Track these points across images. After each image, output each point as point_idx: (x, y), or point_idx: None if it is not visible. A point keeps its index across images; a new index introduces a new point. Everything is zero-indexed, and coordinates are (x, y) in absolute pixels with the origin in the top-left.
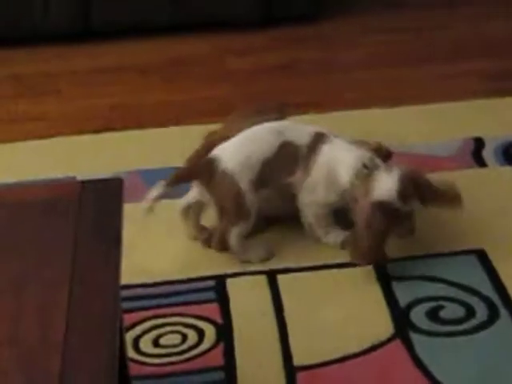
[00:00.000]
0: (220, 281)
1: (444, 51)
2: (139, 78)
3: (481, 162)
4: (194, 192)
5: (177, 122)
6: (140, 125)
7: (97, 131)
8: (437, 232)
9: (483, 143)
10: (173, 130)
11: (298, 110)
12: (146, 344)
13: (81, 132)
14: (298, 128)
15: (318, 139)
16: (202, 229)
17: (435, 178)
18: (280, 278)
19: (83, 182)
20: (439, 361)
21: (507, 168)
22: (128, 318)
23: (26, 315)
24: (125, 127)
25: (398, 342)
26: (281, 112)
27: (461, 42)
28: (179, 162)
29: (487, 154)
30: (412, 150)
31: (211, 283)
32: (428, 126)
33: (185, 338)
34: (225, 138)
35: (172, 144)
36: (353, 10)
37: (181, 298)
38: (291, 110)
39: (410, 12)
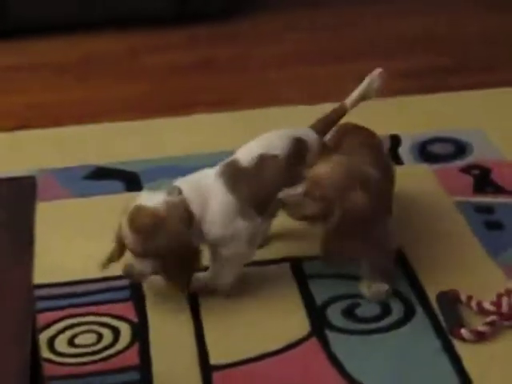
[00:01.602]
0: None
1: (359, 49)
2: (54, 76)
3: (397, 160)
4: None
5: (93, 120)
6: (55, 123)
7: (11, 129)
8: None
9: (399, 141)
10: (89, 127)
11: (210, 108)
12: (61, 344)
13: None
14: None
15: None
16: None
17: None
18: (196, 275)
19: None
20: (355, 358)
21: (423, 165)
22: (42, 318)
23: None
24: (40, 125)
25: (314, 340)
26: None
27: (376, 40)
28: (95, 160)
29: (403, 151)
30: None
31: (126, 282)
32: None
33: (100, 337)
34: None
35: (88, 142)
36: (269, 8)
37: (95, 297)
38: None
39: (326, 10)
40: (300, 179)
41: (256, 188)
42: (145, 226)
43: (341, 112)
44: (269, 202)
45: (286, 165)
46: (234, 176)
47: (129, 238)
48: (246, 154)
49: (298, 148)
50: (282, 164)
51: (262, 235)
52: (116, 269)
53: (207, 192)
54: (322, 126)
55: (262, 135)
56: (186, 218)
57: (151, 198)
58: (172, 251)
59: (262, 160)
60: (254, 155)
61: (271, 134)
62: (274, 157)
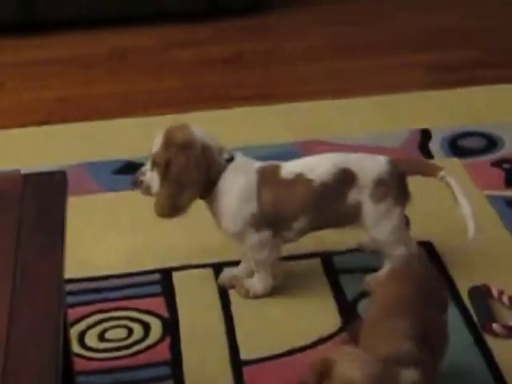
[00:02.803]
0: (165, 274)
1: (389, 43)
2: (83, 71)
3: (427, 154)
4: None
5: (122, 115)
6: (84, 117)
7: (40, 124)
8: None
9: (430, 135)
10: (117, 122)
11: (244, 102)
12: (91, 339)
13: (24, 125)
14: None
15: None
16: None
17: None
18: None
19: (26, 175)
20: None
21: (454, 160)
22: (73, 313)
23: None
24: (69, 120)
25: (346, 336)
26: None
27: (403, 34)
28: (124, 154)
29: (434, 145)
30: (359, 142)
31: (157, 276)
32: (375, 118)
33: (131, 332)
34: None
35: (116, 136)
36: (298, 2)
37: (126, 292)
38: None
39: (353, 4)
40: (334, 212)
41: (280, 203)
42: (176, 138)
43: (431, 173)
44: (285, 225)
45: (317, 193)
46: (268, 180)
47: (157, 145)
48: (288, 166)
49: (341, 180)
50: (314, 191)
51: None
52: (147, 264)
53: (242, 173)
54: (405, 167)
55: (320, 155)
56: (212, 162)
57: None
58: (181, 171)
59: (295, 180)
60: (293, 170)
61: (323, 156)
62: (308, 182)
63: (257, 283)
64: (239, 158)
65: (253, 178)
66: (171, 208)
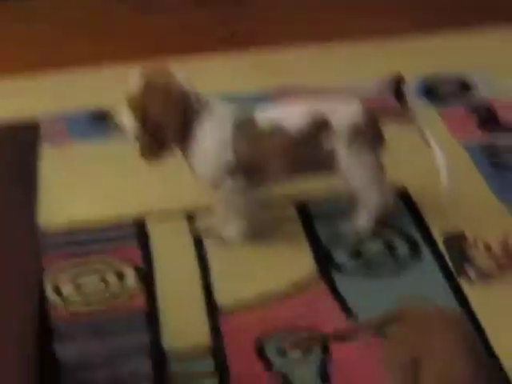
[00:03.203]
0: (139, 222)
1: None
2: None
3: (400, 99)
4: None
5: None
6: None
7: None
8: None
9: (403, 81)
10: (90, 71)
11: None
12: (67, 289)
13: None
14: None
15: None
16: None
17: None
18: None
19: None
20: (360, 298)
21: (427, 106)
22: (49, 262)
23: None
24: (43, 70)
25: (320, 281)
26: None
27: None
28: (97, 103)
29: (407, 91)
30: (334, 89)
31: (131, 225)
32: (350, 66)
33: (105, 281)
34: None
35: (90, 85)
36: None
37: (102, 244)
38: None
39: None
40: (311, 162)
41: (256, 153)
42: (155, 81)
43: (405, 120)
44: (267, 177)
45: (293, 144)
46: (247, 136)
47: (134, 88)
48: (263, 116)
49: (316, 128)
50: (290, 142)
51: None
52: (122, 214)
53: (218, 120)
54: (379, 114)
55: (290, 103)
56: (190, 103)
57: None
58: (159, 116)
59: (273, 131)
60: (270, 121)
61: (297, 104)
62: (282, 132)
63: (231, 230)
64: (215, 105)
65: (228, 125)
66: (150, 152)
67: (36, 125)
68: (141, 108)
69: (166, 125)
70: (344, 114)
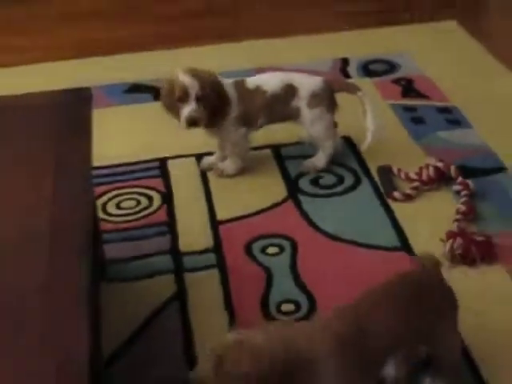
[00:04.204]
0: (163, 161)
1: None
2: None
3: (346, 76)
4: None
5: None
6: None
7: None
8: None
9: (348, 62)
10: (123, 55)
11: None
12: (111, 208)
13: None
14: None
15: None
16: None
17: None
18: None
19: (63, 91)
20: (319, 213)
21: (365, 79)
22: (98, 190)
23: (21, 185)
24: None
25: (290, 202)
26: None
27: None
28: (129, 79)
29: (351, 69)
30: (298, 67)
31: (156, 164)
32: (310, 51)
33: (139, 202)
34: None
35: (123, 65)
36: None
37: (135, 175)
38: None
39: None
40: (283, 114)
41: (247, 106)
42: (207, 80)
43: (352, 92)
44: (253, 120)
45: (270, 99)
46: (240, 91)
47: (194, 87)
48: (251, 80)
49: (287, 91)
50: (267, 98)
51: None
52: (149, 155)
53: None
54: (334, 85)
55: (269, 72)
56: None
57: None
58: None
59: (256, 89)
60: (255, 83)
61: (275, 74)
62: (264, 91)
63: (230, 166)
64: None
65: (232, 90)
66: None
67: (89, 92)
68: (205, 98)
69: (220, 105)
70: (307, 83)
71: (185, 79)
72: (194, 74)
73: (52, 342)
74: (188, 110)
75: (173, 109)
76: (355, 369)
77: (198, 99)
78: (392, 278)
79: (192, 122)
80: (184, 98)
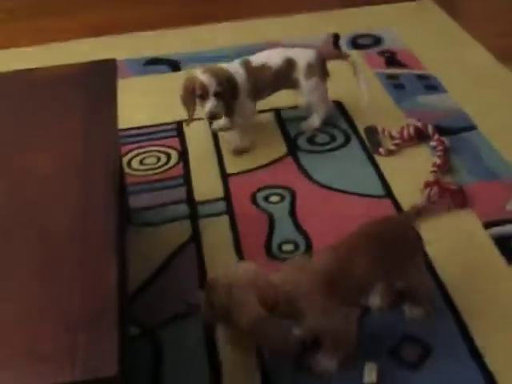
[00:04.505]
0: (179, 124)
1: None
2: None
3: (338, 48)
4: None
5: (141, 29)
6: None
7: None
8: None
9: (339, 37)
10: (138, 34)
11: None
12: (135, 164)
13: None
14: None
15: None
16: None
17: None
18: (216, 122)
19: (92, 62)
20: (316, 167)
21: (354, 51)
22: (123, 149)
23: (57, 141)
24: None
25: (289, 157)
26: None
27: None
28: (148, 54)
29: (342, 42)
30: (296, 42)
31: (174, 126)
32: (306, 28)
33: (159, 159)
34: None
35: (138, 44)
36: None
37: (155, 136)
38: None
39: None
40: (284, 85)
41: (256, 82)
42: (223, 77)
43: (344, 58)
44: (261, 93)
45: (274, 74)
46: (248, 70)
47: (212, 85)
48: (255, 58)
49: (287, 65)
50: (272, 73)
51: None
52: (167, 118)
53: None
54: (325, 54)
55: (270, 50)
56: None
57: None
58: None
59: (262, 66)
60: (260, 61)
61: (275, 50)
62: (270, 67)
63: (241, 142)
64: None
65: (241, 70)
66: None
67: (114, 62)
68: (222, 94)
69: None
70: (303, 56)
71: (204, 78)
72: (212, 72)
73: (86, 268)
74: (209, 106)
75: (189, 104)
76: (334, 299)
77: (216, 95)
78: (367, 224)
79: (213, 116)
80: (204, 95)
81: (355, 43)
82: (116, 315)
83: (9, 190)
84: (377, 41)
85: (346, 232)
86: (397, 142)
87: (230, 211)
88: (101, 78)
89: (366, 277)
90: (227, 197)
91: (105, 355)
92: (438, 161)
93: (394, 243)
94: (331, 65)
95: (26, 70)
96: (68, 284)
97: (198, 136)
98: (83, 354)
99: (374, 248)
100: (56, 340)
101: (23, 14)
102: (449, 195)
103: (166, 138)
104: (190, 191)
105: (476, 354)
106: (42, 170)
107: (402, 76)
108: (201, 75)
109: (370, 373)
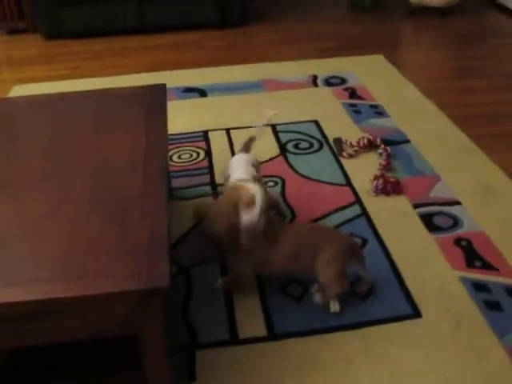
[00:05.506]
0: (205, 132)
1: (293, 36)
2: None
3: (316, 85)
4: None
5: (181, 67)
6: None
7: (149, 71)
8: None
9: (317, 77)
10: (178, 71)
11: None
12: (175, 158)
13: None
14: None
15: None
16: None
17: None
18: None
19: (148, 86)
20: (299, 163)
21: (326, 88)
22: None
23: (126, 141)
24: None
25: (281, 157)
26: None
27: (303, 35)
28: (185, 84)
29: (319, 81)
30: (289, 80)
31: (201, 133)
32: (294, 70)
33: (191, 155)
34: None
35: (178, 77)
36: (264, 20)
37: (189, 139)
38: None
39: (280, 22)
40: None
41: None
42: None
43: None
44: None
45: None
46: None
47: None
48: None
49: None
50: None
51: None
52: (198, 128)
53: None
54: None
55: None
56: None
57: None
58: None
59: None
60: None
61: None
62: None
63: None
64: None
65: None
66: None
67: (165, 86)
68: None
69: None
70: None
71: (251, 188)
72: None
73: (146, 220)
74: (249, 217)
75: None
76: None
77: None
78: (314, 224)
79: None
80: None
81: (328, 82)
82: (167, 249)
83: (95, 175)
84: (343, 81)
85: (317, 208)
86: (355, 148)
87: None
88: (155, 97)
89: (284, 261)
90: None
91: (160, 273)
92: (383, 162)
93: (320, 240)
94: (308, 92)
95: (103, 89)
96: (137, 227)
97: (218, 140)
98: (146, 272)
99: (308, 236)
100: (128, 263)
101: (102, 55)
102: (390, 185)
103: (196, 141)
104: (212, 177)
105: (404, 288)
106: (119, 161)
107: (360, 105)
108: (249, 185)
109: (334, 304)
